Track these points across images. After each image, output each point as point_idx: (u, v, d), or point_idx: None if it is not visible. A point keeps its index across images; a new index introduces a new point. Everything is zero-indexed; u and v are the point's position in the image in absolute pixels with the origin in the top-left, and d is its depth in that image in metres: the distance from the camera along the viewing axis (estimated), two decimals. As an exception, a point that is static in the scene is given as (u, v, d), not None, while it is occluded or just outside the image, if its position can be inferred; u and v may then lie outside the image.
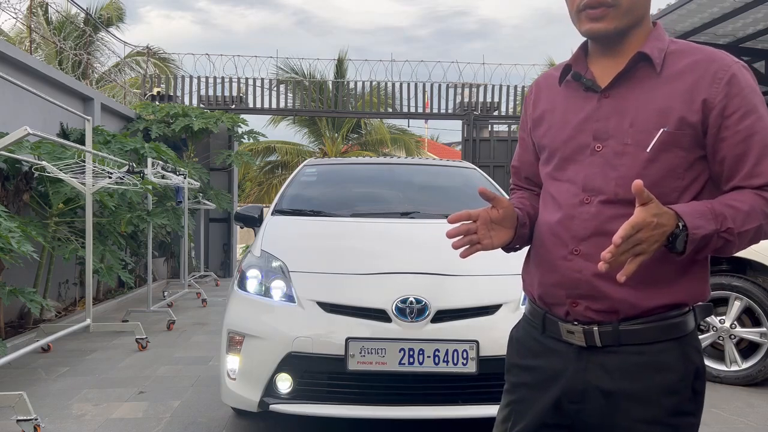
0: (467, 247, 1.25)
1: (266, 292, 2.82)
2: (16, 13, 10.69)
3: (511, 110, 11.02)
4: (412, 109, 10.99)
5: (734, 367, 3.99)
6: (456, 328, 2.61)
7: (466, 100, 10.72)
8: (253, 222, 3.76)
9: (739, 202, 1.13)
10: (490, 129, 10.94)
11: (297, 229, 3.47)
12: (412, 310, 2.61)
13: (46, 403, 3.46)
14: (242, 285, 2.92)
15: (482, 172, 4.47)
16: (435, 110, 10.95)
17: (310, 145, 19.51)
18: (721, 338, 4.03)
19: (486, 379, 2.58)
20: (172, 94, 10.48)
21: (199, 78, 10.55)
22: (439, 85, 10.79)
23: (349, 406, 2.58)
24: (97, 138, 6.27)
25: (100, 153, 5.08)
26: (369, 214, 3.67)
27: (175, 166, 6.97)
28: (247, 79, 10.57)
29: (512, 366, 1.37)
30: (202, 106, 10.38)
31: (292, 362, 2.59)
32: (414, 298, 2.62)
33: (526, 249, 1.41)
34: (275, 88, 10.98)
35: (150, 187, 5.79)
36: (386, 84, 11.20)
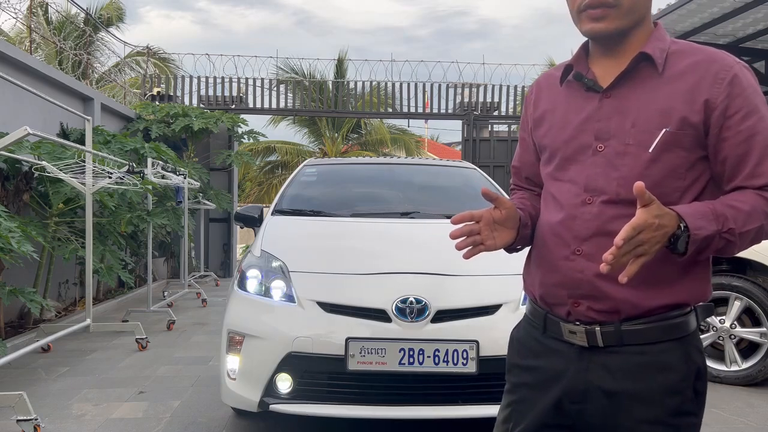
0: (470, 248, 1.25)
1: (266, 292, 2.82)
2: (16, 13, 10.70)
3: (511, 110, 11.02)
4: (412, 109, 10.99)
5: (734, 367, 4.00)
6: (456, 328, 2.61)
7: (466, 100, 10.72)
8: (253, 222, 3.76)
9: (741, 203, 1.13)
10: (490, 129, 10.94)
11: (297, 229, 3.47)
12: (412, 310, 2.61)
13: (46, 403, 3.46)
14: (242, 285, 2.92)
15: (482, 172, 4.47)
16: (435, 110, 10.95)
17: (310, 145, 19.52)
18: (721, 338, 4.03)
19: (486, 379, 2.58)
20: (172, 94, 10.48)
21: (199, 78, 10.55)
22: (439, 85, 10.79)
23: (349, 406, 2.58)
24: (97, 138, 6.27)
25: (100, 153, 5.08)
26: (369, 214, 3.67)
27: (175, 166, 6.97)
28: (247, 79, 10.58)
29: (513, 366, 1.37)
30: (202, 106, 10.39)
31: (292, 362, 2.59)
32: (414, 298, 2.62)
33: (527, 249, 1.41)
34: (275, 88, 10.98)
35: (150, 187, 5.79)
36: (386, 84, 11.21)
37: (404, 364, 2.52)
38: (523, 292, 2.73)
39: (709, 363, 4.00)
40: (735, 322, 3.99)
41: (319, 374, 2.62)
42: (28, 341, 4.46)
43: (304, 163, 4.53)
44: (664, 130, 1.17)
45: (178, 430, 3.08)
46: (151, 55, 13.55)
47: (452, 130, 41.83)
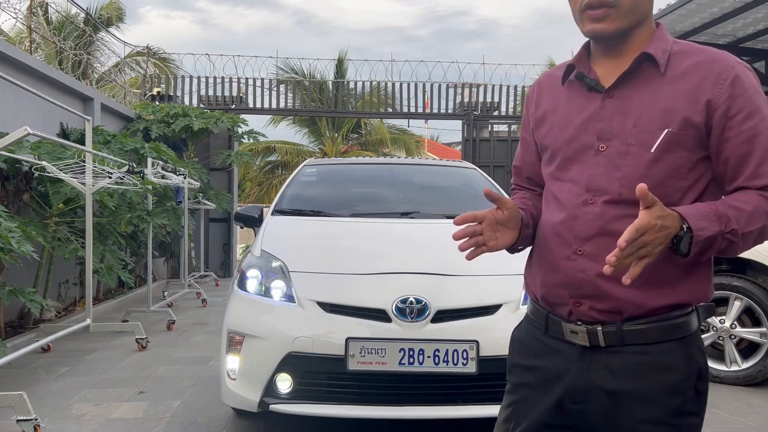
0: (473, 248, 1.25)
1: (266, 292, 2.82)
2: (16, 13, 10.70)
3: (511, 110, 11.02)
4: (412, 109, 10.99)
5: (734, 367, 4.00)
6: (456, 328, 2.61)
7: (466, 100, 10.72)
8: (253, 222, 3.76)
9: (743, 203, 1.13)
10: (490, 129, 10.94)
11: (297, 229, 3.46)
12: (412, 310, 2.61)
13: (46, 403, 3.46)
14: (242, 285, 2.92)
15: (482, 172, 4.47)
16: (435, 110, 10.95)
17: (310, 145, 19.52)
18: (721, 338, 4.03)
19: (486, 379, 2.58)
20: (172, 94, 10.48)
21: (199, 78, 10.55)
22: (439, 85, 10.80)
23: (349, 406, 2.58)
24: (97, 138, 6.27)
25: (100, 153, 5.08)
26: (369, 214, 3.67)
27: (175, 166, 6.97)
28: (247, 79, 10.58)
29: (514, 366, 1.37)
30: (202, 106, 10.39)
31: (292, 362, 2.59)
32: (414, 298, 2.62)
33: (528, 249, 1.41)
34: (275, 88, 10.98)
35: (150, 187, 5.79)
36: (386, 84, 11.21)
37: (404, 364, 2.52)
38: (523, 292, 2.76)
39: (709, 363, 3.97)
40: (735, 322, 3.99)
41: (319, 374, 2.62)
42: (28, 341, 4.46)
43: (304, 163, 4.53)
44: (666, 130, 1.17)
45: (178, 430, 3.08)
46: (151, 55, 13.55)
47: (452, 130, 41.88)
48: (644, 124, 1.19)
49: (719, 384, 3.97)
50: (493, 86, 10.82)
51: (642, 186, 1.03)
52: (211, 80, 10.54)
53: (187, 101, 10.52)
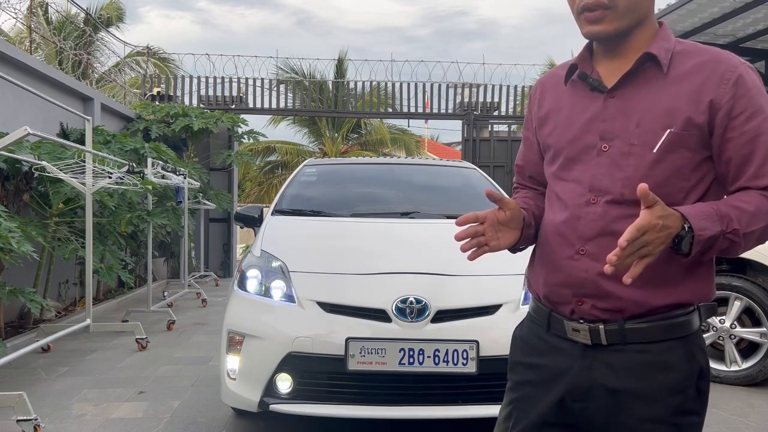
0: (475, 249, 1.26)
1: (266, 292, 2.82)
2: (16, 13, 10.70)
3: (511, 110, 11.02)
4: (412, 109, 10.99)
5: (734, 367, 4.00)
6: (456, 328, 2.61)
7: (466, 100, 10.72)
8: (253, 222, 3.76)
9: (745, 203, 1.13)
10: (490, 129, 10.93)
11: (297, 229, 3.47)
12: (412, 310, 2.61)
13: (46, 403, 3.46)
14: (242, 285, 2.92)
15: (482, 172, 4.47)
16: (435, 110, 10.95)
17: (310, 145, 19.52)
18: (721, 338, 4.03)
19: (486, 379, 2.58)
20: (172, 94, 10.48)
21: (199, 78, 10.55)
22: (439, 85, 10.79)
23: (349, 406, 2.58)
24: (97, 138, 6.27)
25: (100, 153, 5.08)
26: (369, 214, 3.67)
27: (175, 166, 6.97)
28: (247, 79, 10.57)
29: (516, 364, 1.37)
30: (202, 106, 10.38)
31: (292, 362, 2.59)
32: (414, 298, 2.62)
33: (530, 248, 1.41)
34: (275, 88, 10.98)
35: (150, 187, 5.79)
36: (386, 84, 11.21)
37: (404, 364, 2.52)
38: (523, 292, 2.76)
39: (710, 363, 4.00)
40: (735, 322, 3.99)
41: (319, 374, 2.62)
42: (28, 341, 4.46)
43: (304, 163, 4.53)
44: (668, 130, 1.17)
45: (178, 430, 3.08)
46: (151, 55, 13.55)
47: (452, 130, 41.85)
48: (647, 125, 1.19)
49: (719, 384, 3.97)
50: (493, 86, 10.82)
51: (643, 186, 1.03)
52: (211, 80, 10.54)
53: (187, 101, 10.52)
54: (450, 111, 10.92)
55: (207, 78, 10.52)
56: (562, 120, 1.31)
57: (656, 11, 6.61)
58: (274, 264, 2.90)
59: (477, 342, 2.55)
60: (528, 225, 1.34)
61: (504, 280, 2.79)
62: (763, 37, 7.02)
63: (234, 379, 2.73)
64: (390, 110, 11.85)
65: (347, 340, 2.54)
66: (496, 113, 10.87)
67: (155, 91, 10.30)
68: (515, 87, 10.91)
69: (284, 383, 2.62)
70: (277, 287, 2.80)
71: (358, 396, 2.59)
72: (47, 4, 11.42)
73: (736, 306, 3.98)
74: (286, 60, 15.64)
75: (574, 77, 1.30)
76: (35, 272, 5.37)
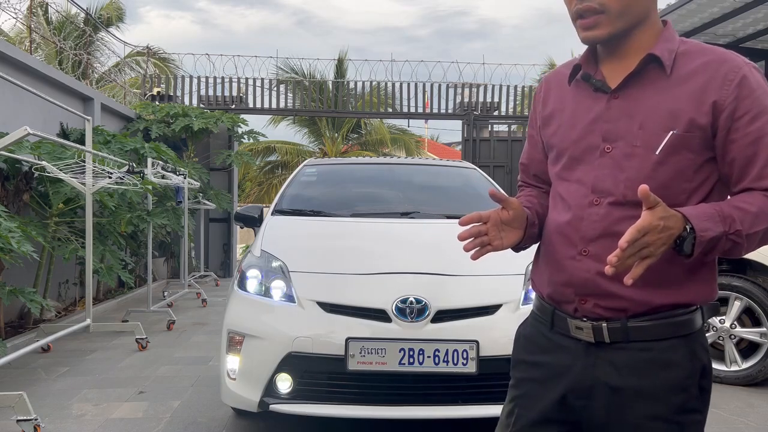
0: (478, 249, 1.26)
1: (266, 292, 2.82)
2: (16, 13, 10.70)
3: (511, 110, 11.02)
4: (412, 109, 10.99)
5: (734, 367, 4.00)
6: (456, 328, 2.61)
7: (466, 100, 10.72)
8: (253, 222, 3.76)
9: (748, 204, 1.13)
10: (490, 129, 10.93)
11: (297, 229, 3.47)
12: (412, 310, 2.61)
13: (46, 403, 3.46)
14: (242, 285, 2.92)
15: (482, 172, 4.48)
16: (435, 110, 10.95)
17: (310, 145, 19.53)
18: (721, 338, 4.03)
19: (486, 379, 2.58)
20: (172, 94, 10.47)
21: (199, 78, 10.55)
22: (439, 85, 10.79)
23: (349, 406, 2.58)
24: (97, 138, 6.27)
25: (100, 153, 5.08)
26: (369, 214, 3.67)
27: (175, 166, 6.97)
28: (247, 79, 10.57)
29: (519, 362, 1.37)
30: (202, 106, 10.38)
31: (292, 362, 2.59)
32: (414, 298, 2.62)
33: (532, 248, 1.42)
34: (275, 88, 10.98)
35: (150, 187, 5.79)
36: (386, 84, 11.21)
37: (404, 364, 2.52)
38: (523, 292, 2.76)
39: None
40: (735, 322, 3.99)
41: (319, 374, 2.62)
42: (28, 341, 4.46)
43: (304, 163, 4.54)
44: (671, 132, 1.17)
45: (178, 430, 3.08)
46: (151, 55, 13.55)
47: (452, 130, 41.86)
48: (649, 126, 1.19)
49: (719, 384, 3.97)
50: (493, 86, 10.82)
51: (643, 187, 1.03)
52: (211, 80, 10.54)
53: (187, 101, 10.52)
54: (450, 111, 10.92)
55: (207, 78, 10.52)
56: (565, 120, 1.31)
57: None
58: (274, 264, 2.90)
59: (477, 342, 2.55)
60: (531, 224, 1.34)
61: (504, 280, 2.79)
62: (763, 37, 7.01)
63: (234, 379, 2.73)
64: (390, 110, 11.85)
65: (347, 340, 2.54)
66: (496, 113, 10.87)
67: (155, 91, 10.30)
68: (515, 87, 10.91)
69: (284, 383, 2.62)
70: (277, 287, 2.80)
71: (358, 396, 2.59)
72: (47, 4, 11.42)
73: (736, 306, 3.98)
74: (286, 60, 15.67)
75: (578, 77, 1.30)
76: (35, 272, 5.37)
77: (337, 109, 11.58)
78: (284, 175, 18.18)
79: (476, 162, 9.64)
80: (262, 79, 10.72)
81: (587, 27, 1.20)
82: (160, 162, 6.54)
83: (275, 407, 2.59)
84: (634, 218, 1.06)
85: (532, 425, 1.29)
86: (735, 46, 7.20)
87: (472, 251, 1.26)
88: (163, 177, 6.37)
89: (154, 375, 4.08)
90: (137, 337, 4.79)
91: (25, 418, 2.87)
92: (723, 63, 1.18)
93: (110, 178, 4.94)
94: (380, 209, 3.78)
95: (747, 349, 4.03)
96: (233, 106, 10.48)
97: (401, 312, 2.60)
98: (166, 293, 7.51)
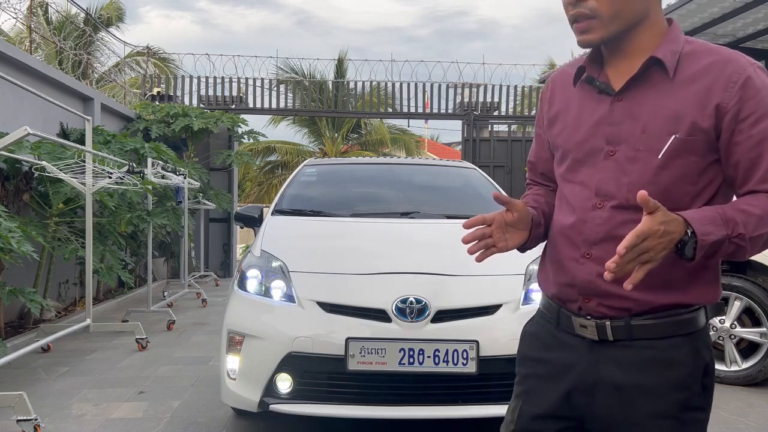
0: (483, 251, 1.27)
1: (266, 292, 2.82)
2: (16, 13, 10.70)
3: (511, 110, 11.02)
4: (412, 109, 10.99)
5: (734, 367, 4.00)
6: (456, 328, 2.61)
7: (466, 100, 10.71)
8: (253, 222, 3.76)
9: (753, 207, 1.12)
10: (490, 129, 10.93)
11: (297, 229, 3.47)
12: (412, 310, 2.61)
13: (46, 403, 3.46)
14: (242, 285, 2.92)
15: (482, 172, 4.48)
16: (435, 110, 10.95)
17: (310, 145, 19.53)
18: (721, 338, 4.03)
19: (486, 379, 2.58)
20: (172, 94, 10.47)
21: (199, 78, 10.55)
22: (439, 85, 10.79)
23: (349, 406, 2.58)
24: (97, 138, 6.26)
25: (100, 153, 5.08)
26: (369, 214, 3.67)
27: (175, 166, 6.97)
28: (247, 79, 10.57)
29: (524, 358, 1.38)
30: (202, 106, 10.38)
31: (292, 362, 2.59)
32: (414, 298, 2.62)
33: (533, 248, 1.42)
34: (275, 88, 10.98)
35: (150, 187, 5.79)
36: (386, 84, 11.20)
37: (404, 364, 2.52)
38: (523, 292, 2.76)
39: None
40: (735, 322, 3.99)
41: (319, 374, 2.62)
42: (28, 341, 4.46)
43: (304, 163, 4.54)
44: (673, 136, 1.16)
45: (178, 430, 3.08)
46: (151, 55, 13.55)
47: (452, 130, 41.85)
48: (652, 130, 1.18)
49: (719, 384, 3.97)
50: (493, 86, 10.82)
51: (642, 193, 1.02)
52: (211, 80, 10.53)
53: (187, 101, 10.51)
54: (450, 111, 10.91)
55: (207, 78, 10.52)
56: (570, 121, 1.31)
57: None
58: (274, 264, 2.90)
59: (477, 342, 2.55)
60: (537, 224, 1.35)
61: (504, 280, 2.79)
62: (763, 37, 7.01)
63: (234, 379, 2.73)
64: (390, 110, 11.85)
65: (347, 340, 2.54)
66: (496, 113, 10.87)
67: (155, 91, 10.29)
68: (515, 87, 10.90)
69: (284, 383, 2.62)
70: (277, 287, 2.80)
71: (358, 396, 2.59)
72: (47, 4, 11.42)
73: (736, 306, 3.98)
74: (286, 60, 15.69)
75: (582, 79, 1.30)
76: (35, 272, 5.37)
77: (337, 109, 11.58)
78: (284, 175, 18.18)
79: (476, 162, 9.64)
80: (262, 79, 10.72)
81: (581, 31, 1.21)
82: (160, 162, 6.54)
83: (275, 407, 2.59)
84: (637, 222, 1.06)
85: (536, 420, 1.30)
86: (735, 46, 7.20)
87: (476, 253, 1.28)
88: (163, 177, 6.37)
89: (154, 375, 4.08)
90: (137, 337, 4.79)
91: (25, 418, 2.87)
92: (727, 64, 1.16)
93: (110, 178, 4.94)
94: (380, 209, 3.78)
95: (747, 349, 4.03)
96: (233, 106, 10.48)
97: (401, 312, 2.60)
98: (166, 293, 7.51)
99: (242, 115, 10.08)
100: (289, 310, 2.71)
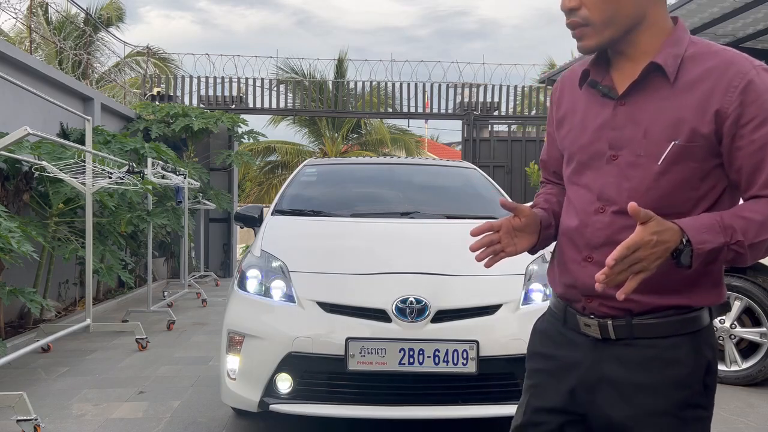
0: (491, 257, 1.30)
1: (266, 292, 2.82)
2: (16, 13, 10.70)
3: (511, 110, 11.02)
4: (412, 109, 10.99)
5: (734, 367, 3.99)
6: (456, 328, 2.61)
7: (466, 100, 10.71)
8: (253, 222, 3.76)
9: (754, 213, 1.11)
10: (490, 129, 10.94)
11: (297, 229, 3.47)
12: (412, 310, 2.61)
13: (46, 403, 3.46)
14: (242, 285, 2.92)
15: (482, 172, 4.48)
16: (435, 110, 10.95)
17: (310, 145, 19.53)
18: (721, 338, 4.03)
19: (486, 379, 2.59)
20: (172, 94, 10.47)
21: (199, 78, 10.55)
22: (439, 85, 10.79)
23: (349, 406, 2.58)
24: (97, 138, 6.26)
25: (100, 153, 5.08)
26: (369, 214, 3.67)
27: (175, 166, 6.97)
28: (247, 79, 10.57)
29: (533, 354, 1.40)
30: (202, 106, 10.38)
31: (292, 362, 2.59)
32: (414, 298, 2.62)
33: (544, 249, 1.44)
34: (275, 88, 10.98)
35: (150, 187, 5.79)
36: (386, 84, 11.20)
37: (404, 364, 2.52)
38: (523, 292, 2.77)
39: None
40: (735, 322, 3.99)
41: (319, 374, 2.62)
42: (28, 341, 4.46)
43: (304, 163, 4.54)
44: (673, 143, 1.15)
45: (178, 430, 3.08)
46: (151, 55, 13.55)
47: (452, 130, 41.82)
48: (653, 135, 1.17)
49: (719, 384, 3.96)
50: (493, 86, 10.82)
51: (632, 205, 1.02)
52: (211, 80, 10.53)
53: (187, 101, 10.52)
54: (450, 111, 10.92)
55: (207, 78, 10.52)
56: (576, 124, 1.31)
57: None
58: (274, 264, 2.90)
59: (477, 342, 2.55)
60: (547, 226, 1.36)
61: (504, 280, 2.79)
62: (763, 37, 7.01)
63: (234, 379, 2.73)
64: (390, 110, 11.85)
65: (347, 340, 2.54)
66: (496, 113, 10.87)
67: (155, 91, 10.29)
68: (515, 87, 10.91)
69: (284, 383, 2.62)
70: (277, 287, 2.80)
71: (358, 396, 2.59)
72: (47, 4, 11.41)
73: (736, 306, 3.98)
74: (286, 60, 15.69)
75: (587, 83, 1.30)
76: (35, 272, 5.37)
77: (337, 109, 11.58)
78: (284, 175, 18.17)
79: (476, 162, 9.64)
80: (262, 79, 10.73)
81: (577, 38, 1.21)
82: (160, 162, 6.54)
83: (275, 407, 2.59)
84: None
85: (540, 412, 1.32)
86: (735, 46, 7.19)
87: (477, 252, 1.29)
88: (163, 177, 6.37)
89: (154, 375, 4.08)
90: (137, 337, 4.79)
91: (25, 418, 2.87)
92: (729, 67, 1.15)
93: (110, 178, 4.94)
94: (380, 209, 3.78)
95: (747, 349, 4.03)
96: (233, 106, 10.48)
97: (401, 312, 2.60)
98: (166, 293, 7.51)
99: (242, 115, 10.08)
100: (289, 310, 2.71)
